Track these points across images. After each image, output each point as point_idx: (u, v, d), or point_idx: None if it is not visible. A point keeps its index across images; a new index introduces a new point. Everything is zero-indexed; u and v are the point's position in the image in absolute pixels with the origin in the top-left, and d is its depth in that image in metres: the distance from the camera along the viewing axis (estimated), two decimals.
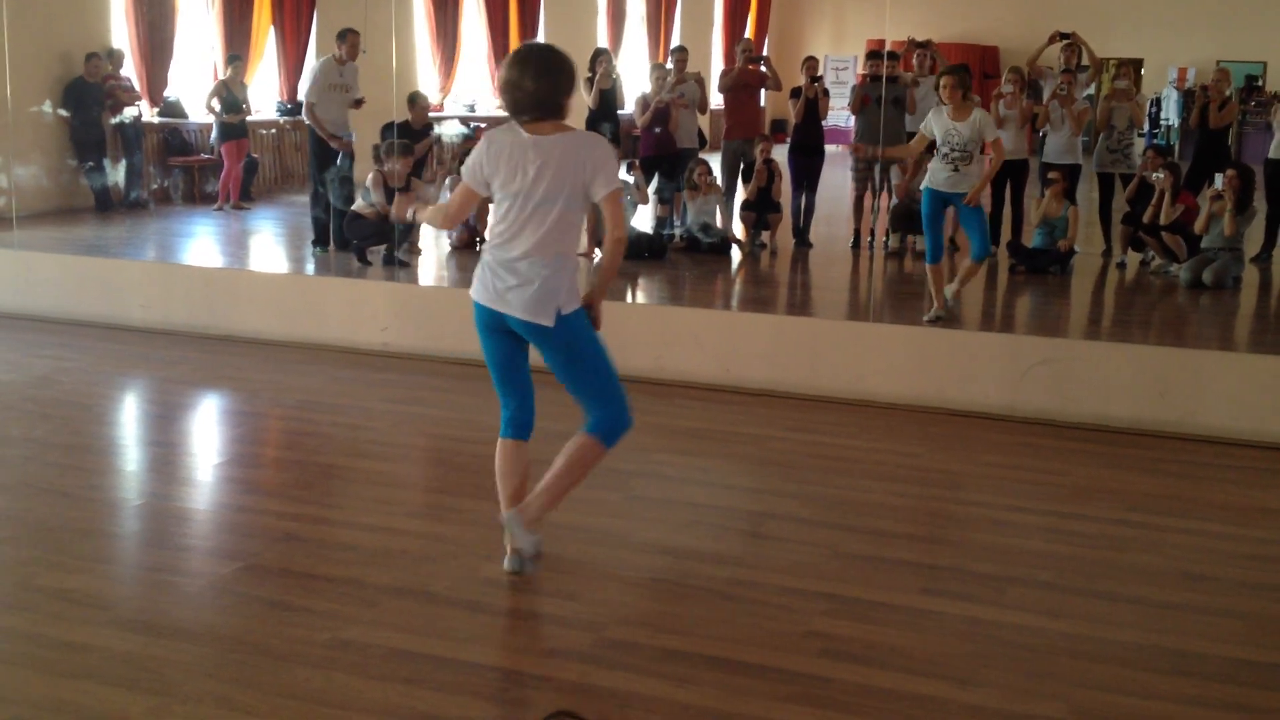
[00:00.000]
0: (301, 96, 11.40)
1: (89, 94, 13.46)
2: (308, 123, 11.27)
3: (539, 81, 4.36)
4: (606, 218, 4.50)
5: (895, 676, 3.91)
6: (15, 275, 9.24)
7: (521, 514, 4.53)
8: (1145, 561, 4.96)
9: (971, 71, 12.05)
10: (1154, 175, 11.03)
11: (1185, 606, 4.53)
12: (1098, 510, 5.52)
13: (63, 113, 13.28)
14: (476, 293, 4.52)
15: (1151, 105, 20.43)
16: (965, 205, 8.61)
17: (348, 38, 11.25)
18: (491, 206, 4.55)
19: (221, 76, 14.59)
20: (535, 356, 4.64)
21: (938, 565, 4.84)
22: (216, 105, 14.11)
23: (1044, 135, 11.65)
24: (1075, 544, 5.11)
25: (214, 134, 14.45)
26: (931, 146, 8.68)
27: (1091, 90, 12.98)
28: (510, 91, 4.41)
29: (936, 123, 8.59)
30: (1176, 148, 18.29)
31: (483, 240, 11.56)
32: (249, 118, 14.79)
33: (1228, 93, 12.09)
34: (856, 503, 5.55)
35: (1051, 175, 11.20)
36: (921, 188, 8.86)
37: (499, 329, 4.54)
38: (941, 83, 8.60)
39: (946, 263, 9.08)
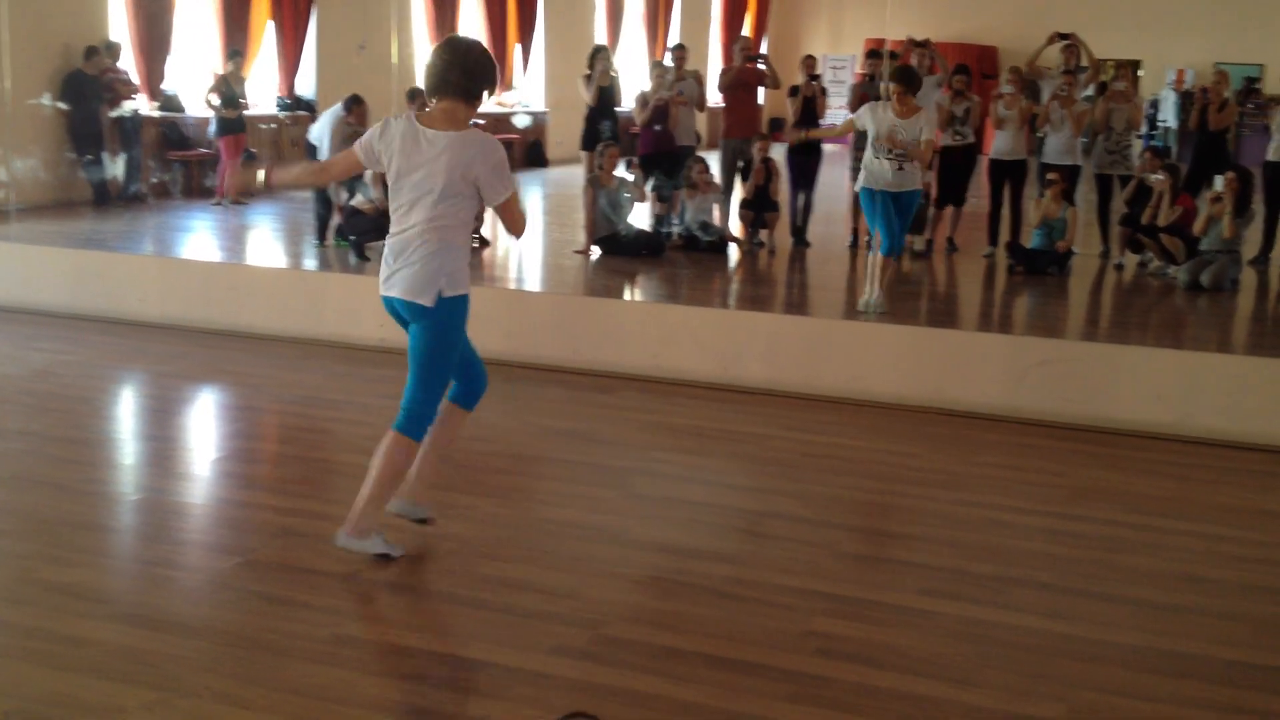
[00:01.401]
0: (313, 139, 11.37)
1: (88, 87, 13.44)
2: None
3: (451, 69, 4.49)
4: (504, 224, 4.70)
5: (894, 676, 3.91)
6: (13, 268, 9.23)
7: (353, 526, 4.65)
8: (1144, 563, 4.97)
9: (971, 71, 12.09)
10: (1152, 177, 11.04)
11: (1185, 608, 4.53)
12: (1097, 511, 5.52)
13: (61, 105, 13.26)
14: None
15: (1150, 107, 20.43)
16: (905, 203, 8.72)
17: (355, 111, 11.20)
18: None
19: (221, 71, 14.58)
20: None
21: (936, 565, 4.84)
22: (215, 100, 14.10)
23: (1043, 136, 11.65)
24: (1074, 545, 5.11)
25: (212, 128, 14.44)
26: (867, 143, 8.73)
27: (1091, 91, 12.97)
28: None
29: (878, 119, 8.61)
30: (1175, 149, 18.29)
31: (480, 238, 11.56)
32: (247, 113, 14.79)
33: (1226, 95, 12.11)
34: (855, 502, 5.55)
35: (1050, 176, 11.20)
36: (859, 189, 8.87)
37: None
38: (891, 90, 8.62)
39: (942, 263, 9.08)
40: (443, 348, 4.62)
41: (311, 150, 11.19)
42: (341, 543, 4.64)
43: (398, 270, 4.55)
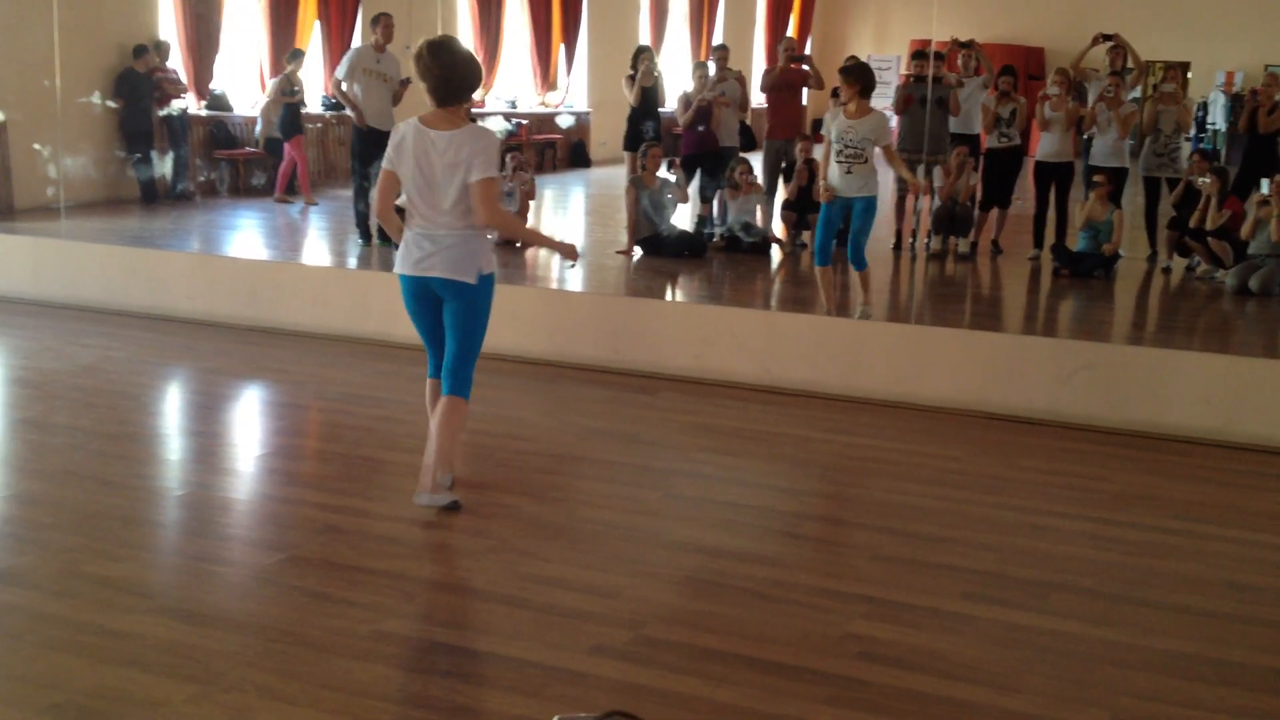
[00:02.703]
0: (339, 75, 11.41)
1: (139, 85, 13.59)
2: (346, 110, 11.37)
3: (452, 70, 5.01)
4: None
5: (934, 681, 3.90)
6: (62, 265, 9.35)
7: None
8: (1188, 569, 4.92)
9: (1017, 72, 12.02)
10: (1200, 180, 10.94)
11: (1229, 615, 4.49)
12: (1140, 517, 5.48)
13: (111, 104, 13.41)
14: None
15: (1199, 109, 20.22)
16: (858, 210, 8.42)
17: (381, 21, 11.26)
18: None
19: (283, 71, 14.72)
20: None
21: (978, 570, 4.81)
22: (279, 99, 14.30)
23: (1090, 138, 11.56)
24: (1117, 551, 5.08)
25: (265, 128, 14.60)
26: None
27: (1138, 93, 12.86)
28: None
29: (834, 122, 8.42)
30: (1223, 152, 18.10)
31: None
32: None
33: (1277, 97, 11.95)
34: (896, 505, 5.53)
35: (1097, 178, 11.12)
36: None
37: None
38: (840, 87, 8.38)
39: (986, 265, 9.01)
40: (484, 318, 5.20)
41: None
42: (425, 501, 5.17)
43: (433, 254, 5.06)
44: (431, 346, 5.34)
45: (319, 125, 16.18)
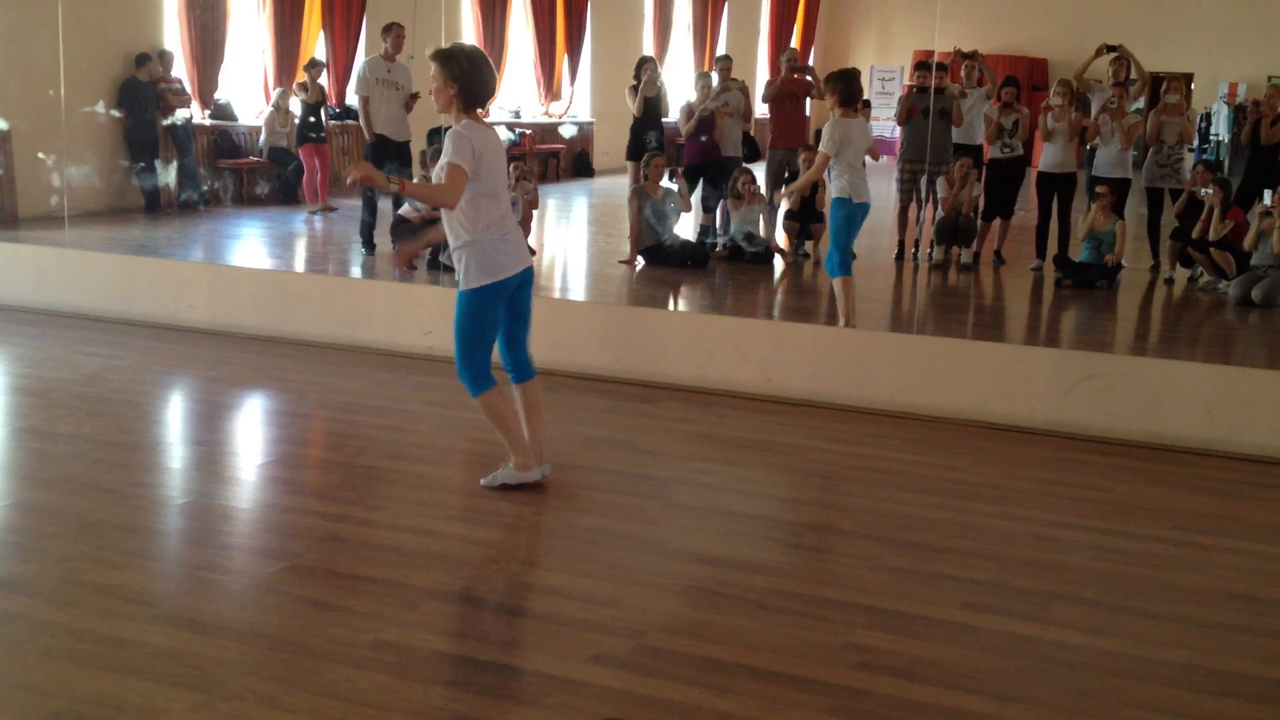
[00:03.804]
0: (351, 95, 11.49)
1: (143, 94, 13.62)
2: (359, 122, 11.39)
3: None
4: None
5: (935, 691, 3.89)
6: (66, 274, 9.36)
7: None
8: (1190, 580, 4.92)
9: (1020, 83, 12.04)
10: (1203, 191, 10.94)
11: (1231, 626, 4.48)
12: (1142, 528, 5.47)
13: (115, 113, 13.44)
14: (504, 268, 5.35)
15: (1201, 120, 20.23)
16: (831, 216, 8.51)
17: (392, 31, 11.30)
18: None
19: (298, 80, 14.80)
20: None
21: (979, 580, 4.81)
22: (297, 107, 14.34)
23: (1092, 148, 11.57)
24: (1119, 561, 5.07)
25: (269, 138, 14.65)
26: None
27: (1141, 104, 12.87)
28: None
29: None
30: (1226, 163, 18.11)
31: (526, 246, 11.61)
32: (297, 121, 14.95)
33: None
34: (897, 515, 5.53)
35: (1099, 189, 11.12)
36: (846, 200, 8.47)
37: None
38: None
39: (989, 276, 9.00)
40: (462, 323, 5.42)
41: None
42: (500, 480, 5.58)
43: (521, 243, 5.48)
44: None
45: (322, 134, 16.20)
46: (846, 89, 8.28)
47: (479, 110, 5.27)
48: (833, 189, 8.45)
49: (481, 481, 5.62)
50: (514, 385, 5.65)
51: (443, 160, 5.13)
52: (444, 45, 5.30)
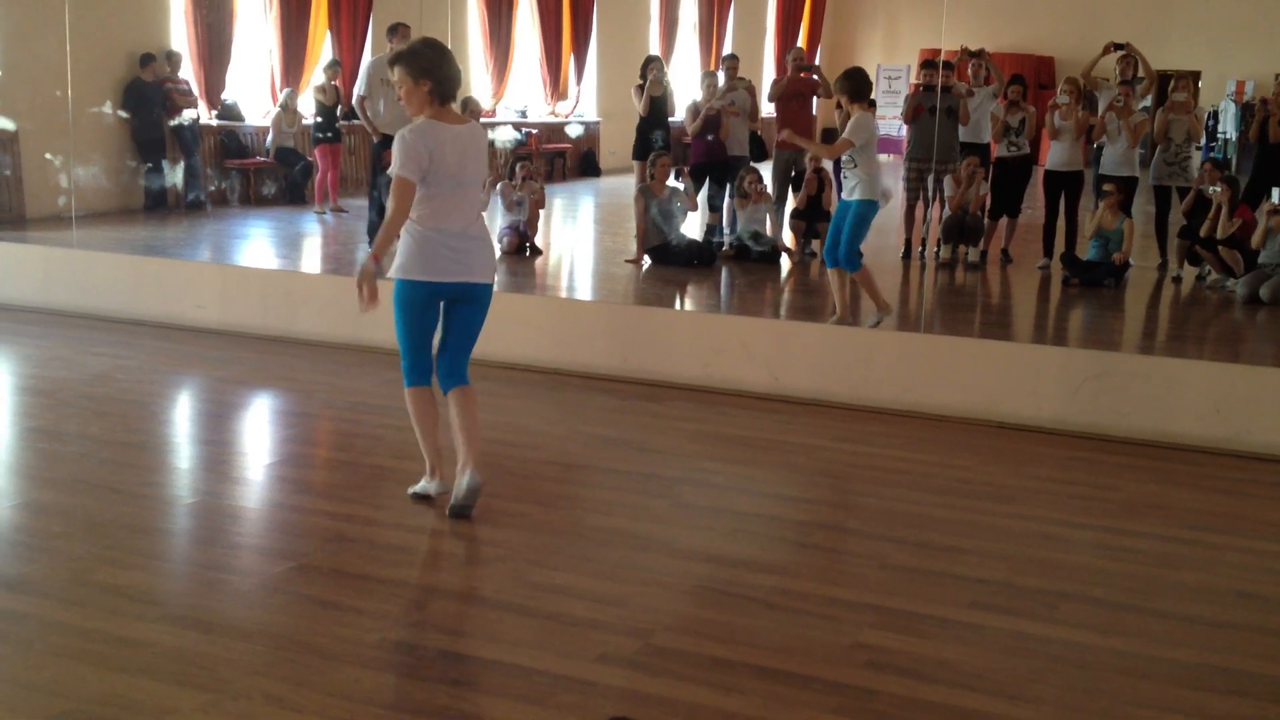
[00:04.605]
0: (358, 91, 11.47)
1: (148, 94, 13.64)
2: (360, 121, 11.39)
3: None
4: None
5: (942, 690, 3.89)
6: (73, 274, 9.38)
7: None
8: (1198, 579, 4.91)
9: (1026, 81, 12.02)
10: (1211, 189, 10.92)
11: (1239, 625, 4.47)
12: (1149, 526, 5.47)
13: (121, 114, 13.46)
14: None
15: (1209, 118, 20.18)
16: (848, 213, 8.48)
17: (399, 32, 11.30)
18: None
19: (317, 82, 14.82)
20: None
21: (987, 579, 4.80)
22: (306, 108, 14.37)
23: (1099, 147, 11.55)
24: (1127, 560, 5.06)
25: (276, 138, 14.67)
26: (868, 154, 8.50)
27: (1148, 102, 12.85)
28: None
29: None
30: (1234, 161, 18.06)
31: (533, 246, 11.62)
32: (305, 122, 14.98)
33: None
34: (904, 514, 5.52)
35: (1106, 187, 11.10)
36: (869, 199, 8.50)
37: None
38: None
39: (996, 274, 8.99)
40: (396, 316, 5.20)
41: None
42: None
43: (468, 256, 5.10)
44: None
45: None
46: (857, 85, 8.34)
47: (450, 103, 5.06)
48: (856, 189, 8.39)
49: (408, 491, 5.47)
50: (444, 394, 5.31)
51: (392, 168, 4.95)
52: (403, 47, 5.09)
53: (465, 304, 5.19)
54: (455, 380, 5.28)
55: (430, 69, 4.94)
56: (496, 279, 5.35)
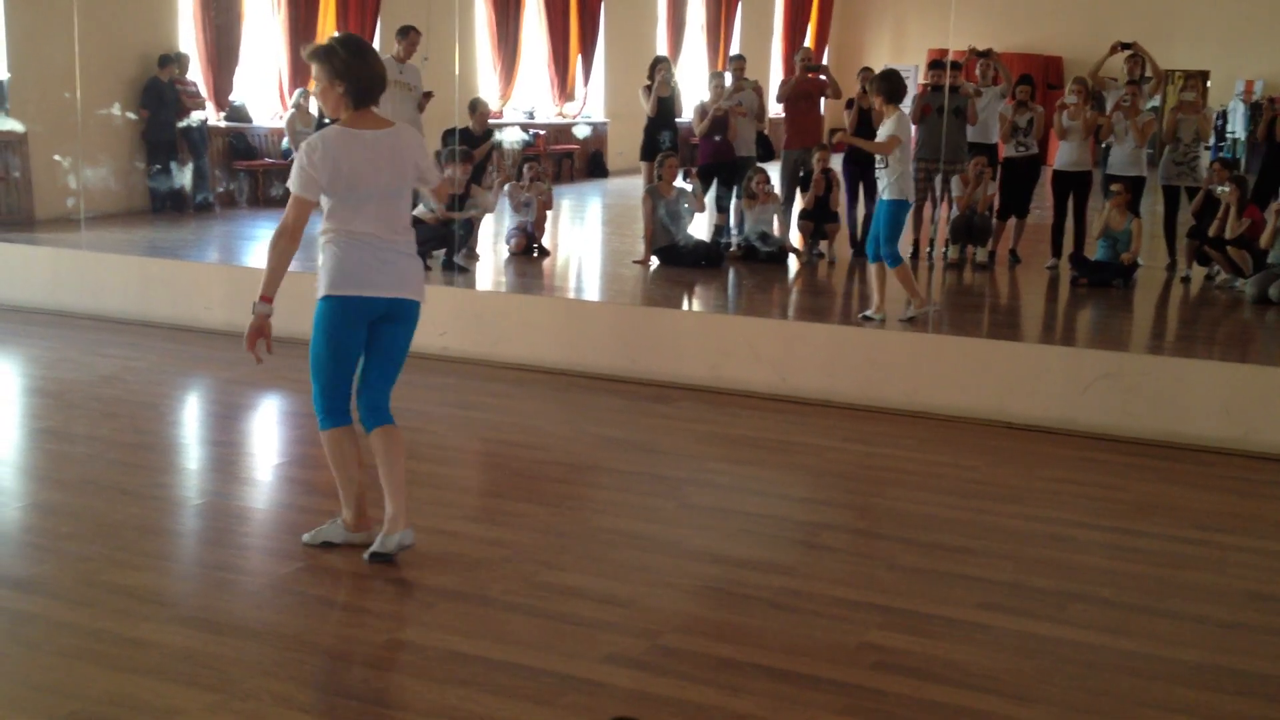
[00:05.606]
0: None
1: (166, 95, 13.66)
2: None
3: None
4: None
5: (950, 691, 3.88)
6: (82, 276, 9.39)
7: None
8: (1207, 580, 4.89)
9: (1034, 81, 12.00)
10: (1220, 189, 10.89)
11: (1249, 626, 4.46)
12: (1159, 527, 5.45)
13: (132, 115, 13.48)
14: None
15: (1218, 118, 20.15)
16: (881, 211, 8.79)
17: (409, 35, 11.33)
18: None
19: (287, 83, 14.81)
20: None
21: (995, 580, 4.79)
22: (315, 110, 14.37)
23: (1107, 147, 11.52)
24: (1136, 561, 5.05)
25: (292, 139, 14.68)
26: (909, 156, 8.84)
27: (1156, 101, 12.82)
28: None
29: None
30: (1243, 161, 18.03)
31: (540, 247, 11.62)
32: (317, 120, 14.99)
33: None
34: (913, 515, 5.52)
35: (1114, 187, 11.08)
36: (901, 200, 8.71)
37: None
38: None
39: (1004, 275, 9.00)
40: (315, 336, 4.88)
41: None
42: (323, 537, 4.90)
43: (397, 269, 4.69)
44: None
45: None
46: (893, 86, 8.61)
47: (371, 107, 4.66)
48: (888, 189, 8.67)
49: (304, 538, 4.89)
50: (367, 433, 4.79)
51: (289, 181, 4.60)
52: (319, 43, 4.74)
53: (393, 324, 4.72)
54: (380, 418, 4.77)
55: (344, 71, 4.55)
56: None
